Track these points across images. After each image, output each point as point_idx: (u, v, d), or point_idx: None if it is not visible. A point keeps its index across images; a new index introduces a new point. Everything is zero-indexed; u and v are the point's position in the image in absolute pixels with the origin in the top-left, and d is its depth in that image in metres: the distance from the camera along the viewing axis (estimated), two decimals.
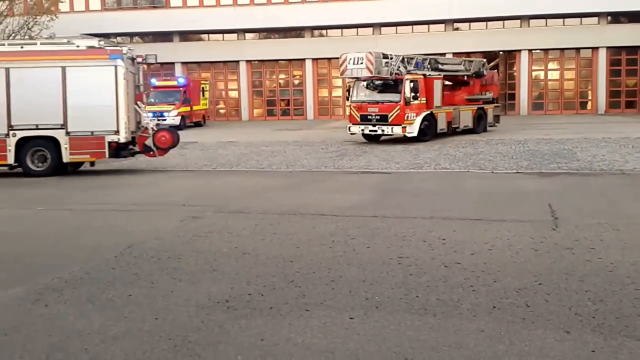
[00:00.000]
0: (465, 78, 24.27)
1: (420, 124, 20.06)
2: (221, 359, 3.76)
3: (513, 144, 18.19)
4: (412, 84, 19.87)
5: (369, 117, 20.01)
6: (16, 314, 4.65)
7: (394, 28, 37.67)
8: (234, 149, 19.39)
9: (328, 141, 21.15)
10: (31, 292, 5.16)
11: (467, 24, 37.48)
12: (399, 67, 19.85)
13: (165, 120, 29.29)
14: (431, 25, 37.20)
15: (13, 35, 30.07)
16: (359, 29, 37.65)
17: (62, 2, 34.52)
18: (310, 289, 5.05)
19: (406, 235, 6.90)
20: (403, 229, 7.20)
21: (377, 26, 37.36)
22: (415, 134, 19.80)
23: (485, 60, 25.92)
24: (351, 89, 20.86)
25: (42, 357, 3.83)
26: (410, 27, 37.23)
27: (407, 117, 19.73)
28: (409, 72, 20.19)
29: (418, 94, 20.10)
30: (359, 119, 20.20)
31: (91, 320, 4.45)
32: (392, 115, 19.57)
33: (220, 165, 15.27)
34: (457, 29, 37.85)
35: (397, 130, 19.71)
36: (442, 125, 21.49)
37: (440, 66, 22.36)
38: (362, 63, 19.10)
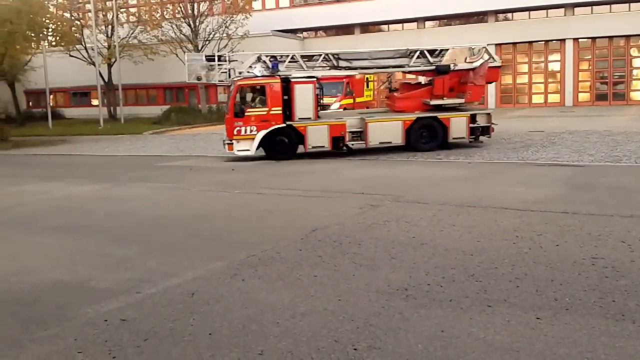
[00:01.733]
0: (422, 75, 18.57)
1: (271, 140, 15.92)
2: (401, 345, 3.82)
3: None
4: (243, 91, 16.14)
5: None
6: (217, 287, 5.19)
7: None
8: None
9: (510, 131, 20.10)
10: (230, 267, 5.72)
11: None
12: (216, 70, 16.54)
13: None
14: None
15: (212, 33, 33.16)
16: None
17: (256, 0, 37.20)
18: (493, 285, 4.89)
19: (601, 234, 6.34)
20: (598, 228, 6.62)
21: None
22: (252, 152, 15.83)
23: (479, 47, 17.96)
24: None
25: (239, 327, 4.24)
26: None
27: (240, 130, 15.78)
28: (251, 76, 16.22)
29: (259, 104, 15.99)
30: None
31: (282, 296, 4.81)
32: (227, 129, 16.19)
33: (397, 154, 15.36)
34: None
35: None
36: (317, 141, 16.25)
37: (348, 62, 17.42)
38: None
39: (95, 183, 12.63)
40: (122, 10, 39.29)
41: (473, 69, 16.93)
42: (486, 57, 17.11)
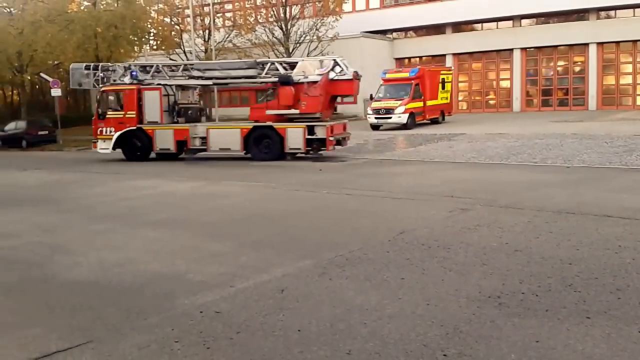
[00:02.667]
0: (270, 85, 18.43)
1: (124, 140, 18.34)
2: (493, 353, 3.71)
3: None
4: (105, 96, 18.88)
5: None
6: (305, 284, 5.27)
7: None
8: (504, 141, 18.70)
9: (613, 134, 18.93)
10: (317, 266, 5.80)
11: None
12: (91, 77, 19.25)
13: (390, 118, 26.43)
14: None
15: (303, 36, 33.72)
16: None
17: (346, 2, 37.41)
18: (592, 296, 4.64)
19: None
20: None
21: None
22: (110, 150, 18.55)
23: (329, 59, 17.77)
24: None
25: (327, 325, 4.29)
26: None
27: (102, 131, 18.65)
28: (116, 83, 18.90)
29: (117, 107, 18.62)
30: None
31: (369, 297, 4.82)
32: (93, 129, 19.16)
33: (488, 157, 14.91)
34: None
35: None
36: (164, 144, 18.17)
37: (197, 72, 18.72)
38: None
39: (193, 180, 13.23)
40: (218, 15, 40.81)
41: (312, 82, 16.90)
42: (338, 69, 16.97)
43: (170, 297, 5.09)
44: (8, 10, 35.35)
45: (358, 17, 39.45)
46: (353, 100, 18.00)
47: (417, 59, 40.77)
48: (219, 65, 19.40)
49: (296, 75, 17.33)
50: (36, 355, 3.94)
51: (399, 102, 26.64)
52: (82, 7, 32.78)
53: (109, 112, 18.79)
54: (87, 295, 5.26)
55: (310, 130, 16.68)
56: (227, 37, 37.83)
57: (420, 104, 27.85)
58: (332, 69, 17.13)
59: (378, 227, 7.40)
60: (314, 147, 16.67)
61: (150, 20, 37.23)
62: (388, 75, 28.80)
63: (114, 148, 18.74)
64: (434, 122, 29.00)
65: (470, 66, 39.51)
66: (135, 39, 34.73)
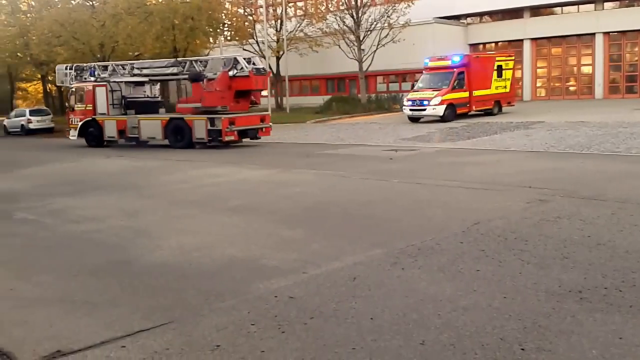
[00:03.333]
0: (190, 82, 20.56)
1: (85, 129, 22.33)
2: (574, 349, 3.59)
3: None
4: (74, 92, 22.66)
5: None
6: (377, 273, 5.27)
7: None
8: (586, 129, 17.86)
9: None
10: (389, 255, 5.78)
11: None
12: (69, 75, 23.21)
13: (424, 110, 24.51)
14: None
15: (374, 23, 33.42)
16: None
17: None
18: None
19: None
20: None
21: None
22: (76, 138, 22.58)
23: (227, 58, 20.20)
24: None
25: (400, 315, 4.28)
26: None
27: (72, 121, 22.86)
28: (83, 81, 22.77)
29: (81, 101, 22.31)
30: None
31: (442, 288, 4.76)
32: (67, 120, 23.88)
33: (569, 147, 14.30)
34: None
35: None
36: (110, 132, 21.70)
37: (137, 71, 22.02)
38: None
39: (265, 168, 13.49)
40: (290, 5, 41.13)
41: (211, 79, 19.40)
42: (239, 67, 19.08)
43: (246, 281, 5.24)
44: (90, 3, 37.13)
45: (431, 2, 38.52)
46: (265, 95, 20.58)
47: (493, 44, 39.52)
48: (149, 65, 22.54)
49: (207, 72, 19.77)
50: (121, 334, 4.16)
51: (435, 93, 24.75)
52: (160, 0, 33.92)
53: (76, 105, 22.70)
54: (168, 277, 5.50)
55: (212, 122, 18.85)
56: (299, 27, 38.08)
57: (465, 94, 25.42)
58: (234, 67, 19.23)
59: (451, 218, 7.28)
60: (215, 137, 18.91)
61: (224, 12, 38.04)
62: (430, 64, 26.71)
63: (78, 136, 22.65)
64: (488, 113, 26.29)
65: (550, 51, 37.87)
66: (211, 30, 35.61)
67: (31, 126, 34.52)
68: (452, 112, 24.69)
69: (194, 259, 6.06)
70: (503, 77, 27.22)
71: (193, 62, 20.85)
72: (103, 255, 6.42)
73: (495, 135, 18.06)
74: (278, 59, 39.37)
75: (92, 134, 22.32)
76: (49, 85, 50.08)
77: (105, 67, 23.20)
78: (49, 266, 6.06)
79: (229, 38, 41.00)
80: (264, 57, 36.81)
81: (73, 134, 22.87)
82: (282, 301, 4.65)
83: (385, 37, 32.69)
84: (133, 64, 22.66)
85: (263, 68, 20.49)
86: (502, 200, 8.29)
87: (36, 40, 36.52)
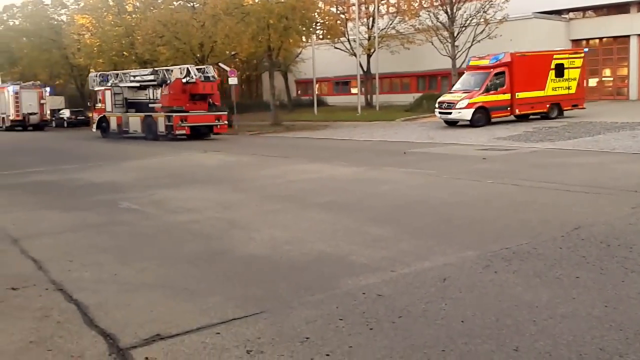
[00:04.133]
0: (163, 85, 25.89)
1: (99, 124, 29.72)
2: None
3: None
4: (95, 95, 30.48)
5: None
6: (468, 276, 5.15)
7: None
8: None
9: None
10: (482, 258, 5.62)
11: None
12: (96, 81, 30.12)
13: (450, 114, 23.33)
14: None
15: (470, 19, 32.52)
16: None
17: None
18: None
19: None
20: None
21: None
22: (95, 130, 30.09)
23: (182, 67, 25.87)
24: None
25: (492, 319, 4.15)
26: None
27: (93, 117, 30.86)
28: (100, 85, 29.73)
29: (97, 102, 30.09)
30: None
31: (538, 295, 4.57)
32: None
33: None
34: None
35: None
36: (113, 126, 28.40)
37: (132, 78, 27.99)
38: None
39: (354, 166, 13.54)
40: (382, 2, 40.93)
41: (167, 84, 25.24)
42: (191, 75, 24.66)
43: (334, 276, 5.29)
44: (191, 4, 38.77)
45: None
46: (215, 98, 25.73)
47: (597, 40, 37.27)
48: (138, 73, 28.41)
49: (171, 79, 25.17)
50: (216, 321, 4.33)
51: (464, 95, 23.32)
52: (256, 0, 34.84)
53: (96, 105, 30.20)
54: (260, 268, 5.66)
55: (168, 118, 24.48)
56: (390, 24, 37.81)
57: (504, 96, 23.43)
58: (187, 75, 24.81)
59: (549, 221, 6.96)
60: (169, 132, 24.55)
61: (317, 10, 38.48)
62: (472, 62, 25.21)
63: (96, 128, 30.06)
64: (544, 117, 24.20)
65: None
66: (304, 29, 36.13)
67: None
68: (484, 117, 23.21)
69: (284, 252, 6.20)
70: (565, 77, 24.62)
71: (164, 71, 26.27)
72: (200, 244, 6.72)
73: (599, 136, 17.07)
74: (369, 56, 39.33)
75: (104, 127, 29.39)
76: None
77: (117, 75, 29.18)
78: (151, 253, 6.42)
79: (321, 37, 41.45)
80: (355, 55, 36.92)
81: (93, 127, 30.46)
82: (370, 298, 4.66)
83: (481, 33, 31.74)
84: (131, 72, 29.07)
85: (213, 76, 25.63)
86: (605, 204, 7.83)
87: (140, 40, 38.67)
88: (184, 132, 24.48)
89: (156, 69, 27.51)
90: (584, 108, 25.12)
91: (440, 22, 33.47)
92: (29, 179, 13.36)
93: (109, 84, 28.93)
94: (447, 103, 23.79)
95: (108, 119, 29.01)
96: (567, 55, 25.46)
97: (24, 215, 9.02)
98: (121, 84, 28.45)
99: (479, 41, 31.66)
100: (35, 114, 40.21)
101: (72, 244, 6.94)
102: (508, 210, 7.90)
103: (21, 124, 39.95)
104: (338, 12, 41.63)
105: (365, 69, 39.88)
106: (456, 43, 33.14)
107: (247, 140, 25.33)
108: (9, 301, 4.90)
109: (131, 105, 28.47)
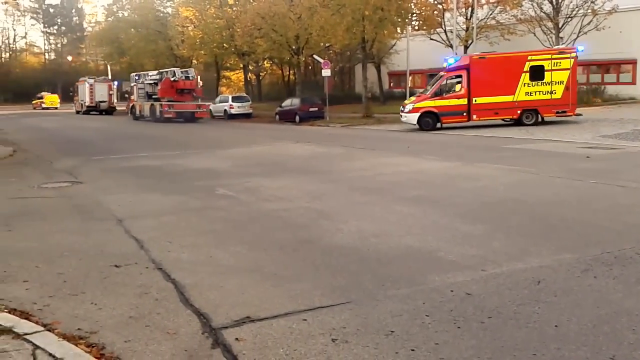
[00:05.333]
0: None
1: (132, 110, 40.86)
2: None
3: None
4: (131, 88, 42.31)
5: None
6: (565, 279, 4.91)
7: None
8: None
9: None
10: (580, 261, 5.35)
11: None
12: (133, 79, 41.41)
13: (403, 117, 23.45)
14: None
15: (576, 9, 30.75)
16: None
17: None
18: None
19: None
20: None
21: None
22: (129, 115, 41.68)
23: (170, 70, 37.69)
24: None
25: (589, 326, 3.95)
26: None
27: (128, 105, 43.08)
28: (135, 82, 40.94)
29: (130, 94, 43.15)
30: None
31: None
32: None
33: None
34: None
35: None
36: (137, 112, 39.57)
37: (149, 77, 38.75)
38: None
39: (446, 160, 13.28)
40: None
41: (160, 81, 36.43)
42: (176, 75, 35.52)
43: (421, 271, 5.24)
44: None
45: None
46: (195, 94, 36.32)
47: None
48: (151, 74, 38.71)
49: (167, 78, 35.60)
50: (303, 308, 4.43)
51: (413, 99, 23.51)
52: None
53: (131, 96, 41.24)
54: (346, 259, 5.71)
55: (161, 106, 35.21)
56: (490, 14, 36.51)
57: (460, 101, 22.19)
58: (174, 75, 35.38)
59: None
60: (160, 115, 35.24)
61: (414, 1, 37.87)
62: (445, 64, 23.72)
63: (130, 114, 40.89)
64: (520, 123, 22.20)
65: None
66: (399, 20, 35.71)
67: (233, 111, 37.99)
68: (432, 122, 22.54)
69: (371, 245, 6.21)
70: (546, 80, 22.15)
71: (164, 72, 36.85)
72: (290, 232, 6.88)
73: None
74: (466, 47, 38.20)
75: (135, 113, 39.69)
76: (249, 74, 54.52)
77: (144, 75, 39.75)
78: (243, 238, 6.66)
79: (416, 28, 40.78)
80: (452, 47, 36.00)
81: (128, 113, 41.70)
82: (459, 296, 4.57)
83: (588, 24, 29.93)
84: (149, 73, 39.40)
85: (192, 76, 35.78)
86: None
87: (240, 32, 39.89)
88: (171, 115, 34.59)
89: (160, 70, 38.37)
90: (578, 115, 22.55)
91: (544, 12, 31.90)
92: (134, 164, 14.24)
93: (140, 81, 39.51)
94: (402, 106, 24.22)
95: (135, 107, 39.82)
96: (549, 56, 22.76)
97: (129, 197, 9.62)
98: (145, 82, 38.86)
99: (585, 33, 29.88)
100: (104, 101, 49.98)
101: (171, 226, 7.33)
102: (611, 212, 7.44)
103: (94, 109, 49.52)
104: (435, 2, 40.72)
105: None
106: (561, 34, 31.45)
107: (338, 132, 25.50)
108: (112, 278, 5.27)
109: (150, 97, 38.02)
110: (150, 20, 54.54)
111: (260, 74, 57.68)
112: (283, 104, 34.85)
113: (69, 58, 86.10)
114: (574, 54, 22.71)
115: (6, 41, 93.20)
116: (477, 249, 5.89)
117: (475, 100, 22.22)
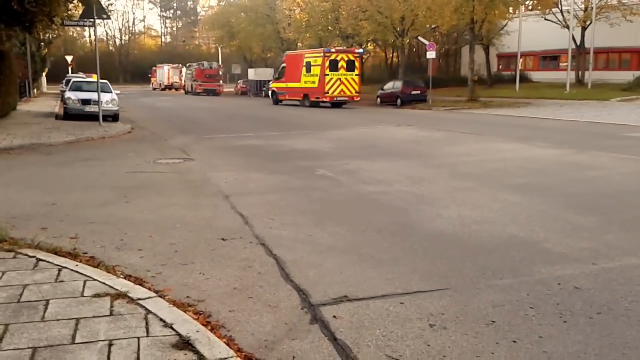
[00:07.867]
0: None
1: (186, 91, 58.41)
2: None
3: None
4: (185, 74, 62.33)
5: None
6: None
7: None
8: None
9: None
10: None
11: None
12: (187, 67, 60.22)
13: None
14: None
15: None
16: None
17: None
18: None
19: None
20: None
21: None
22: (185, 93, 57.19)
23: (200, 63, 57.27)
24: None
25: None
26: None
27: (185, 87, 60.73)
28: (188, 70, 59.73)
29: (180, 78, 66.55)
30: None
31: None
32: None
33: None
34: None
35: None
36: (187, 89, 57.85)
37: (191, 66, 57.63)
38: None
39: (557, 147, 12.61)
40: None
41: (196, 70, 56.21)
42: (204, 66, 55.18)
43: (526, 262, 5.04)
44: None
45: None
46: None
47: None
48: (189, 64, 58.11)
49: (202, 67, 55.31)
50: (400, 291, 4.42)
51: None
52: None
53: (186, 81, 59.16)
54: (445, 245, 5.61)
55: (193, 85, 55.01)
56: None
57: (282, 84, 33.73)
58: (203, 66, 54.71)
59: None
60: (193, 91, 54.78)
61: None
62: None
63: (185, 93, 56.10)
64: (311, 104, 31.32)
65: None
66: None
67: None
68: (276, 98, 35.03)
69: (472, 232, 6.05)
70: (312, 73, 31.29)
71: (199, 64, 54.53)
72: (388, 216, 6.86)
73: None
74: (583, 29, 35.85)
75: (186, 90, 56.88)
76: None
77: (191, 65, 56.61)
78: (342, 219, 6.73)
79: (530, 7, 38.75)
80: (568, 27, 33.89)
81: (183, 92, 57.74)
82: (566, 290, 4.36)
83: None
84: (193, 64, 56.21)
85: (213, 64, 56.02)
86: None
87: (345, 15, 39.90)
88: (200, 90, 52.85)
89: (197, 62, 56.90)
90: (325, 101, 30.76)
91: None
92: (240, 143, 14.77)
93: (188, 70, 57.28)
94: None
95: (187, 87, 57.22)
96: (313, 56, 32.07)
97: (235, 174, 10.02)
98: (190, 71, 56.41)
99: None
100: (177, 82, 66.86)
101: (273, 204, 7.56)
102: None
103: (169, 88, 66.98)
104: None
105: (578, 42, 36.46)
106: None
107: (441, 115, 24.93)
108: (219, 250, 5.53)
109: (191, 79, 55.35)
110: (260, 5, 55.96)
111: (363, 56, 57.42)
112: (385, 87, 34.54)
113: (183, 41, 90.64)
114: (321, 55, 31.38)
115: (126, 24, 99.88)
116: (589, 242, 5.57)
117: (287, 85, 33.95)
